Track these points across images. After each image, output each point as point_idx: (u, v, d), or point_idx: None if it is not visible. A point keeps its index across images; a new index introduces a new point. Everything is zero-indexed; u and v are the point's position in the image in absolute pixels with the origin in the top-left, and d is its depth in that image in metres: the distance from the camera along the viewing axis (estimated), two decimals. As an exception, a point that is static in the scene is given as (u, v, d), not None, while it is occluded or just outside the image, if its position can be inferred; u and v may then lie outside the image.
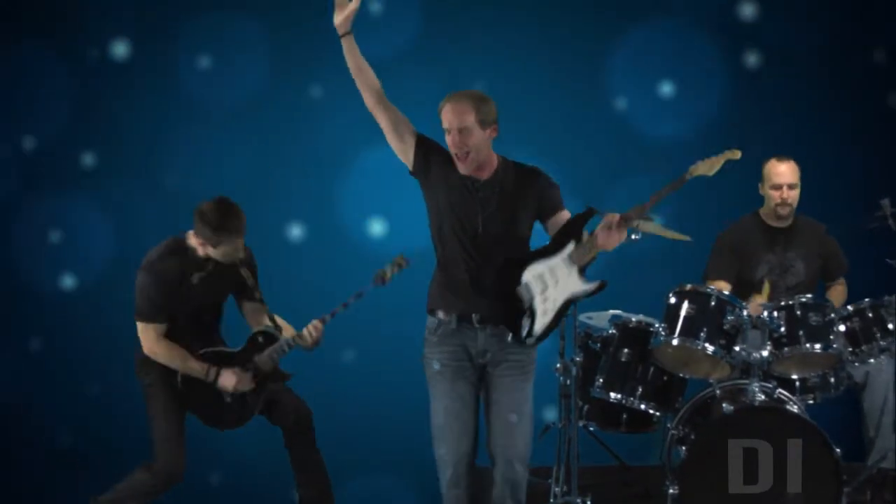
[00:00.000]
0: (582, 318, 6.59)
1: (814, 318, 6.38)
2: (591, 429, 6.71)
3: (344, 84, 7.60)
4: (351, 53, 5.35)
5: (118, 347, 6.42)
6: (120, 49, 7.73)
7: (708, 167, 5.27)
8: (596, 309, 6.67)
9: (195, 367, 6.07)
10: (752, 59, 7.91)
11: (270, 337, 6.14)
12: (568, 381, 6.51)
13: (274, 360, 6.14)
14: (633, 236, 5.64)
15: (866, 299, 6.57)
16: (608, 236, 5.17)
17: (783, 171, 6.82)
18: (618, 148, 7.86)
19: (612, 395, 6.48)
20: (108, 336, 7.19)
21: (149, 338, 6.04)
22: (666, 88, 7.91)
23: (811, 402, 6.53)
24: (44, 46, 7.68)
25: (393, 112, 5.37)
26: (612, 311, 6.66)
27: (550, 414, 6.97)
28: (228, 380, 6.08)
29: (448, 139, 5.27)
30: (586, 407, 6.55)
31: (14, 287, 7.70)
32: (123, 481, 6.15)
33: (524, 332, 5.27)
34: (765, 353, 6.27)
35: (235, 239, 5.98)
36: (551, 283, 5.26)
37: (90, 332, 7.56)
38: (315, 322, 6.08)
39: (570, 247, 5.26)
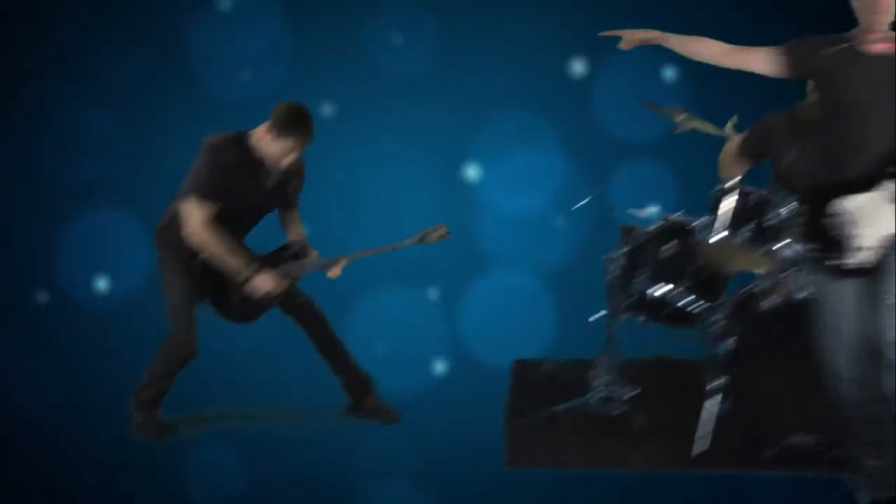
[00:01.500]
0: (626, 212, 6.65)
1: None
2: (634, 322, 6.79)
3: (355, 96, 7.73)
4: (681, 50, 5.33)
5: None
6: (132, 49, 7.77)
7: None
8: (640, 204, 6.73)
9: (232, 263, 5.96)
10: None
11: (295, 254, 6.15)
12: (612, 275, 6.58)
13: (294, 276, 6.12)
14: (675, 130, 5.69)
15: None
16: None
17: None
18: (621, 145, 7.99)
19: (655, 289, 6.55)
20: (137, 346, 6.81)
21: (195, 217, 5.89)
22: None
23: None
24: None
25: (762, 58, 5.21)
26: (655, 207, 6.70)
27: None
28: (265, 283, 6.00)
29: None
30: (629, 300, 6.63)
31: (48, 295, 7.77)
32: (147, 368, 6.13)
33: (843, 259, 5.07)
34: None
35: (298, 140, 5.94)
36: (873, 219, 5.03)
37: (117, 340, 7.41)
38: (342, 262, 6.09)
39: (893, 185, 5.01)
